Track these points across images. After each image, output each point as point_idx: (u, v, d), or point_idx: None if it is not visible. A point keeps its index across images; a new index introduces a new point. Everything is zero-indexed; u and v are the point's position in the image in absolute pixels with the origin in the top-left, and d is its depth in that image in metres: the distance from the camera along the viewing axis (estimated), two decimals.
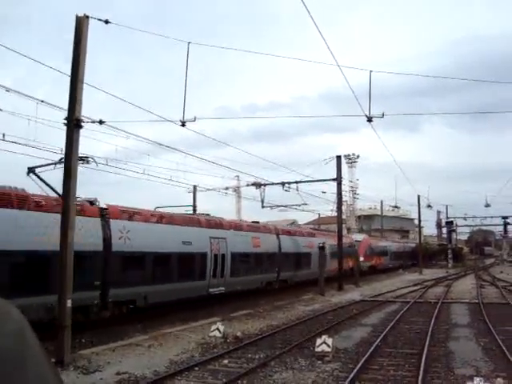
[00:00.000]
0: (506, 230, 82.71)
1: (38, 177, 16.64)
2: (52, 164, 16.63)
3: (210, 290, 24.08)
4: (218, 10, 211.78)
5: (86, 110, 13.31)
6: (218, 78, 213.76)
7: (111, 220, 18.82)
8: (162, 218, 22.55)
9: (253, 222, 32.85)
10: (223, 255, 25.10)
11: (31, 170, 16.87)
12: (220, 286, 24.78)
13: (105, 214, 18.78)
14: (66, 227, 12.63)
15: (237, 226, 28.58)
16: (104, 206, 19.44)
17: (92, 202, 19.04)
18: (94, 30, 13.31)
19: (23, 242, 14.83)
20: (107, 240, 18.20)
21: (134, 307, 19.35)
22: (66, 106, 13.20)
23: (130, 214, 20.45)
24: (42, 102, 16.79)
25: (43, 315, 14.29)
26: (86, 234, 16.77)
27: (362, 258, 49.10)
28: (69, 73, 13.01)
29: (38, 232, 15.21)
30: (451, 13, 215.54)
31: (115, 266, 18.35)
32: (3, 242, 14.18)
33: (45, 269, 15.27)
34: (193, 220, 24.91)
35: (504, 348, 12.98)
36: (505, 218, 75.87)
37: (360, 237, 55.35)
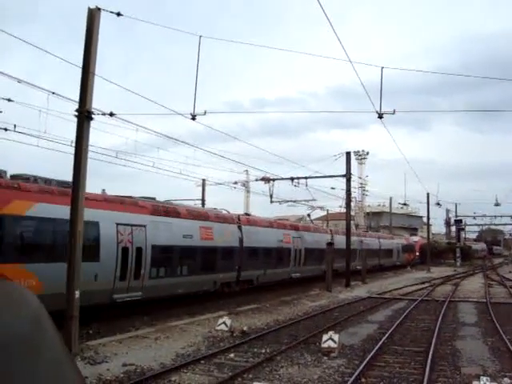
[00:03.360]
0: None
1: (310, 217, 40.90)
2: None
3: (357, 267, 40.07)
4: (227, 5, 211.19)
5: (96, 102, 13.35)
6: (227, 72, 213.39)
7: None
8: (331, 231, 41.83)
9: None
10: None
11: (308, 215, 42.33)
12: (357, 266, 40.38)
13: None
14: (75, 218, 12.68)
15: (364, 235, 50.09)
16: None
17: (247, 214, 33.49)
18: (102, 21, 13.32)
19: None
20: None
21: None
22: (76, 97, 13.25)
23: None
24: (53, 93, 16.86)
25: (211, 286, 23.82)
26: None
27: (417, 254, 72.33)
28: (80, 64, 13.06)
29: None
30: (459, 10, 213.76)
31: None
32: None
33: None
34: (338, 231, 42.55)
35: (511, 348, 12.92)
36: None
37: (416, 238, 77.35)
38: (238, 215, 28.64)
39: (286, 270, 31.22)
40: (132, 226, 18.57)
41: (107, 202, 18.41)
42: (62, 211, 14.30)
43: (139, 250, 18.73)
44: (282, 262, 30.87)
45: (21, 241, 15.02)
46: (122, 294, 17.99)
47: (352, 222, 46.02)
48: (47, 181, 16.61)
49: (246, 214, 31.14)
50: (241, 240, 26.30)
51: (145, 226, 19.17)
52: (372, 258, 46.94)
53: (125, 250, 18.12)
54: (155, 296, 19.73)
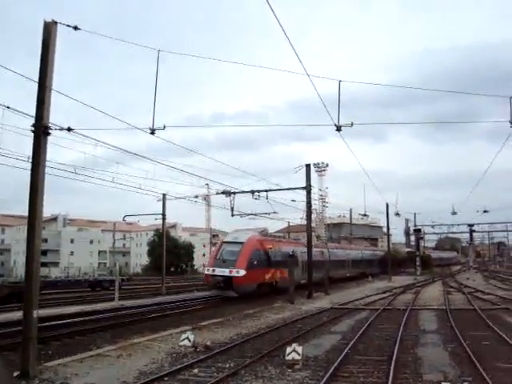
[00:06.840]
0: (471, 238, 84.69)
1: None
2: None
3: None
4: (185, 19, 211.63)
5: (53, 117, 13.07)
6: (187, 86, 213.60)
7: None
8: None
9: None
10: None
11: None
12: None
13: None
14: (32, 238, 12.30)
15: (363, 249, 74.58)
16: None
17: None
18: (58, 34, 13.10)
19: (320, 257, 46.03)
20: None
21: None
22: (32, 111, 12.95)
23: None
24: (8, 108, 16.43)
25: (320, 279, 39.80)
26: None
27: None
28: (35, 78, 12.79)
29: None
30: (418, 25, 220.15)
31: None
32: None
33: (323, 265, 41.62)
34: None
35: (470, 353, 13.21)
36: (471, 225, 77.73)
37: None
38: (326, 243, 56.25)
39: (346, 271, 53.35)
40: (303, 252, 39.47)
41: (295, 243, 44.36)
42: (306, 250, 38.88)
43: (305, 262, 38.68)
44: (346, 268, 52.94)
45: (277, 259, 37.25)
46: (301, 280, 37.48)
47: (313, 233, 46.46)
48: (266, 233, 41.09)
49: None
50: (329, 256, 49.42)
51: (306, 252, 38.18)
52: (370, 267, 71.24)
53: (302, 262, 40.07)
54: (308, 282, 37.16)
